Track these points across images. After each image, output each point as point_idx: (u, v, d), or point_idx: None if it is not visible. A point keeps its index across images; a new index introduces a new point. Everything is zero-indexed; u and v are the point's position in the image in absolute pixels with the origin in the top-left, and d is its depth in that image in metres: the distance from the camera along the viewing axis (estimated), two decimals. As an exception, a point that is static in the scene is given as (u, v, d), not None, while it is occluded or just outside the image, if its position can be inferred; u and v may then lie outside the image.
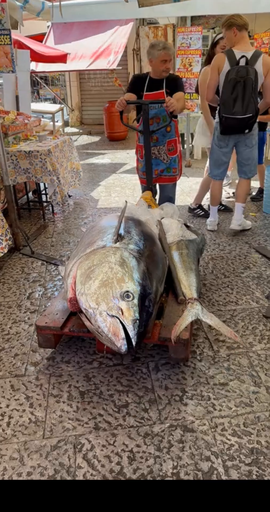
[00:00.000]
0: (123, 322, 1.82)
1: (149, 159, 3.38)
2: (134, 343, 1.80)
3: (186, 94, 6.43)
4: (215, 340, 2.42)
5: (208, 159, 3.99)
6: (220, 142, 3.69)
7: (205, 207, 4.50)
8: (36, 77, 12.66)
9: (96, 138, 10.33)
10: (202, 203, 4.57)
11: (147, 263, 2.11)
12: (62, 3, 5.29)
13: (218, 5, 6.03)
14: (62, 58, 8.52)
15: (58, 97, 11.80)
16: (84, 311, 1.94)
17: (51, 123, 10.52)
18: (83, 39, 9.85)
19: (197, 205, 4.54)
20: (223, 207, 4.57)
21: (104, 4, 6.79)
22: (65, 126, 11.30)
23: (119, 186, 5.87)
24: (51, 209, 4.85)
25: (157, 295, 2.10)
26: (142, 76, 3.46)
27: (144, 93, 3.34)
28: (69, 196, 5.45)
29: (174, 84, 3.34)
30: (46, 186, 4.86)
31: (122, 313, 1.84)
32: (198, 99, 6.40)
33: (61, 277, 3.19)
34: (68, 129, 11.30)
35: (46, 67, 9.42)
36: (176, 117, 3.51)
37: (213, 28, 10.68)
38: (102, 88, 11.31)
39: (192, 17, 10.96)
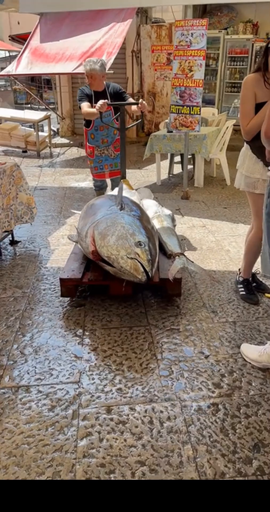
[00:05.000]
0: (141, 262, 2.54)
1: (124, 154, 3.73)
2: (151, 275, 2.55)
3: (185, 107, 4.94)
4: None
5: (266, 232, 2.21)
6: None
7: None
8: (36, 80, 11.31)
9: (86, 152, 8.88)
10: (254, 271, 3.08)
11: (147, 224, 2.88)
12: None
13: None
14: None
15: (43, 103, 10.40)
16: (106, 258, 2.64)
17: (42, 133, 9.14)
18: (74, 37, 8.45)
19: (242, 279, 3.02)
20: (254, 284, 3.06)
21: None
22: (54, 137, 9.88)
23: (89, 228, 4.38)
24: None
25: (157, 245, 2.86)
26: (86, 90, 3.89)
27: (94, 104, 3.69)
28: (16, 242, 3.98)
29: (119, 96, 3.90)
30: None
31: (139, 256, 2.55)
32: (199, 114, 4.90)
33: None
34: (58, 140, 9.87)
35: (26, 69, 8.01)
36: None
37: (225, 29, 9.17)
38: (97, 94, 9.89)
39: (202, 15, 9.52)
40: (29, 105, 15.53)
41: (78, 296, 3.00)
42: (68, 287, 2.85)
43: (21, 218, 3.90)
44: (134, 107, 3.74)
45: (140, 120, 3.98)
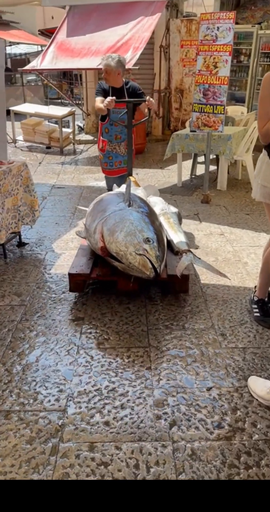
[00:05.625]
0: (149, 258, 2.59)
1: (131, 150, 3.81)
2: (159, 271, 2.61)
3: (208, 106, 4.65)
4: None
5: None
6: None
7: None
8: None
9: (110, 150, 8.68)
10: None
11: (155, 220, 2.95)
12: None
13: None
14: None
15: (68, 98, 10.27)
16: (115, 254, 2.69)
17: (67, 129, 9.02)
18: (101, 31, 8.24)
19: (256, 299, 2.75)
20: None
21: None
22: (80, 133, 9.74)
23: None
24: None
25: (165, 242, 2.92)
26: (104, 85, 3.84)
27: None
28: (23, 244, 3.83)
29: (137, 96, 3.81)
30: None
31: (147, 252, 2.60)
32: (223, 113, 4.60)
33: None
34: (82, 137, 9.72)
35: (51, 63, 7.88)
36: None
37: (259, 23, 8.73)
38: (124, 90, 9.67)
39: (235, 8, 9.11)
40: (59, 100, 15.48)
41: (77, 309, 2.81)
42: (76, 282, 2.91)
43: (22, 219, 3.72)
44: (142, 105, 3.70)
45: (147, 117, 3.89)
